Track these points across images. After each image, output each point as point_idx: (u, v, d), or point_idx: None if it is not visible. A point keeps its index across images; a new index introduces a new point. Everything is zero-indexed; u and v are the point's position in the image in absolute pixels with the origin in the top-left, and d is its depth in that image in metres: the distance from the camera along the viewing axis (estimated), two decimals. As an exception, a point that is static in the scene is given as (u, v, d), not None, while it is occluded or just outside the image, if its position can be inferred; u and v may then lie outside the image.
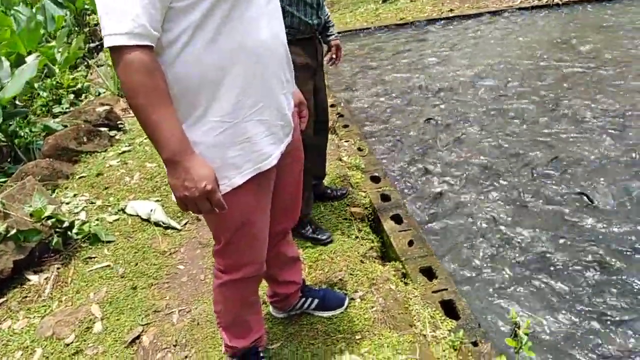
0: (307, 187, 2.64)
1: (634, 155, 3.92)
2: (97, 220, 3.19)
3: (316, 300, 2.23)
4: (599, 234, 3.15)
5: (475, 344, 2.11)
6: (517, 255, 3.04)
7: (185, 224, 3.09)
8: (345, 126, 4.45)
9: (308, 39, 2.40)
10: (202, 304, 2.41)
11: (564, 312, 2.59)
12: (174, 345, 2.16)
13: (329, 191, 3.16)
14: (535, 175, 3.83)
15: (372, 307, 2.29)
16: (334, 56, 2.70)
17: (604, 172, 3.75)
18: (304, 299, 2.22)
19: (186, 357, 2.10)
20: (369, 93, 5.92)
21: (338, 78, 6.60)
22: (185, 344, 2.17)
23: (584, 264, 2.91)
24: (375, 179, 3.49)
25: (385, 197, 3.25)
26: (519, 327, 1.95)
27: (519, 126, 4.64)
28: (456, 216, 3.46)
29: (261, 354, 1.96)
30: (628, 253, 2.97)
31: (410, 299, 2.36)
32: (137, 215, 3.18)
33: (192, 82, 1.26)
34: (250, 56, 1.32)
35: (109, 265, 2.77)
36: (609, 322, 2.52)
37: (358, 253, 2.71)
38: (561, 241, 3.12)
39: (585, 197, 3.48)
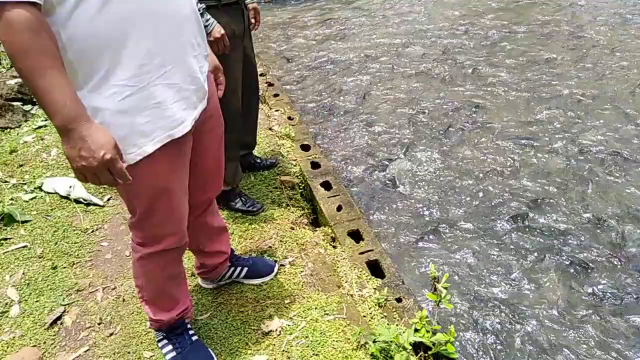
0: (234, 158, 2.60)
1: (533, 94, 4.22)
2: (11, 199, 2.99)
3: (245, 269, 2.23)
4: (512, 187, 3.36)
5: (399, 300, 2.21)
6: (436, 213, 3.18)
7: (109, 199, 2.96)
8: (276, 95, 4.40)
9: (234, 4, 2.33)
10: (128, 280, 2.34)
11: (481, 265, 2.76)
12: (98, 324, 2.10)
13: (259, 161, 3.13)
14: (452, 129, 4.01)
15: (302, 271, 2.33)
16: (252, 20, 2.63)
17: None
18: (232, 268, 2.21)
19: (111, 334, 2.05)
20: (300, 62, 5.87)
21: (268, 45, 6.48)
22: (110, 322, 2.11)
23: (500, 216, 3.11)
24: (306, 147, 3.50)
25: (315, 165, 3.28)
26: (438, 282, 2.06)
27: (441, 89, 4.80)
28: (381, 176, 3.56)
29: (188, 326, 1.95)
30: (539, 202, 3.19)
31: (339, 261, 2.43)
32: (56, 193, 3.01)
33: (88, 44, 1.18)
34: (152, 17, 1.25)
35: (25, 246, 2.61)
36: (522, 270, 2.72)
37: (288, 220, 2.73)
38: (480, 194, 3.30)
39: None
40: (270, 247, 2.48)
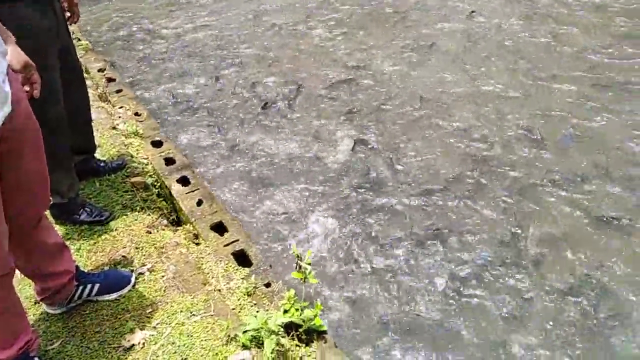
0: (67, 166, 2.34)
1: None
2: None
3: (97, 285, 2.03)
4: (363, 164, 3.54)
5: (267, 285, 2.20)
6: (298, 194, 3.24)
7: None
8: (118, 91, 4.06)
9: None
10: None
11: (341, 239, 2.88)
12: None
13: (102, 165, 2.87)
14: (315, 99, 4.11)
15: (163, 276, 2.20)
16: (68, 14, 2.35)
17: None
18: (82, 287, 2.00)
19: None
20: (143, 51, 5.50)
21: (103, 36, 5.96)
22: None
23: (350, 198, 3.26)
24: (157, 144, 3.29)
25: (169, 161, 3.10)
26: (301, 259, 2.07)
27: (296, 59, 4.87)
28: (240, 163, 3.52)
29: (35, 359, 1.73)
30: (389, 184, 3.41)
31: (203, 257, 2.33)
32: None
33: None
34: None
35: None
36: (376, 240, 2.89)
37: (144, 224, 2.55)
38: (331, 172, 3.43)
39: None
40: (124, 256, 2.29)
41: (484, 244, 2.81)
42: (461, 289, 2.56)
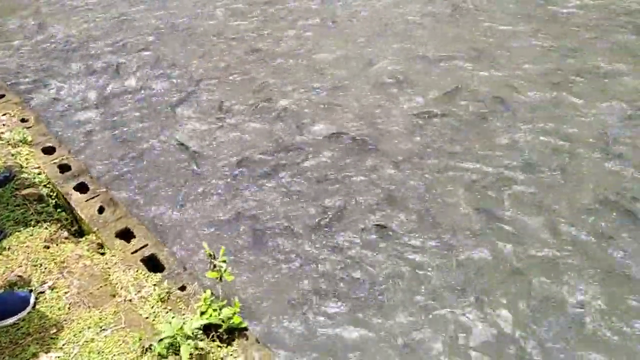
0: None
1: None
2: None
3: (-11, 312, 1.86)
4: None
5: (182, 288, 2.14)
6: (208, 190, 3.18)
7: None
8: (1, 96, 3.70)
9: None
10: None
11: (259, 227, 2.88)
12: None
13: (-14, 179, 2.61)
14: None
15: (67, 292, 2.06)
16: None
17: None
18: (-29, 316, 1.83)
19: None
20: (25, 48, 5.05)
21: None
22: None
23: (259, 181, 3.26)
24: (49, 150, 3.05)
25: (64, 168, 2.89)
26: (214, 258, 2.04)
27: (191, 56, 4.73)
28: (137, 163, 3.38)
29: None
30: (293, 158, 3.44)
31: (110, 268, 2.22)
32: None
33: None
34: None
35: None
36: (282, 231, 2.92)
37: (41, 239, 2.37)
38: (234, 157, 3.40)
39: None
40: (20, 276, 2.12)
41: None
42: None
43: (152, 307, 2.02)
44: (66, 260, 2.23)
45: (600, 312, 2.35)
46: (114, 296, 2.06)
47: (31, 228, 2.43)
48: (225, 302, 2.04)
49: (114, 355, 1.77)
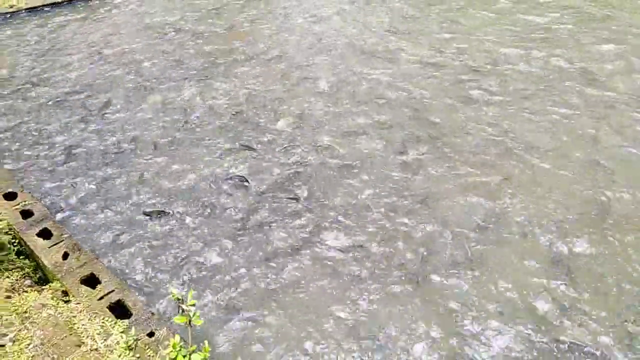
0: None
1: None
2: None
3: (-54, 369, 1.79)
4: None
5: (151, 334, 2.11)
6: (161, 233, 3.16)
7: None
8: (-42, 140, 3.61)
9: None
10: None
11: (227, 263, 2.86)
12: None
13: (-57, 228, 2.53)
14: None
15: (29, 344, 2.00)
16: None
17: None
18: None
19: None
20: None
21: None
22: None
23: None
24: (10, 196, 2.98)
25: (26, 214, 2.83)
26: (182, 302, 2.03)
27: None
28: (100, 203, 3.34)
29: None
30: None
31: (75, 316, 2.17)
32: None
33: None
34: None
35: None
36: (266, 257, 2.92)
37: (2, 289, 2.30)
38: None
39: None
40: (-21, 329, 2.05)
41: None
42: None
43: (120, 355, 1.98)
44: (29, 310, 2.17)
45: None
46: (79, 346, 2.01)
47: (-9, 278, 2.36)
48: (195, 347, 2.01)
49: (80, 409, 1.72)
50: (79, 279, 2.37)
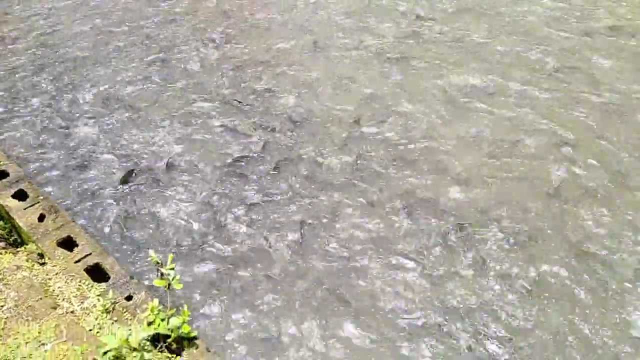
0: None
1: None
2: None
3: None
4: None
5: (129, 297, 2.07)
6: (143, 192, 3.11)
7: None
8: None
9: None
10: None
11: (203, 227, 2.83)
12: None
13: None
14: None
15: (2, 305, 1.95)
16: None
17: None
18: None
19: None
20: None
21: None
22: None
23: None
24: (-16, 156, 2.88)
25: (1, 174, 2.74)
26: (162, 266, 1.99)
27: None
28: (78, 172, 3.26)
29: None
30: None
31: (50, 279, 2.11)
32: None
33: None
34: None
35: None
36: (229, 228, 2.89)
37: (-26, 250, 2.24)
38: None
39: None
40: (-49, 290, 1.99)
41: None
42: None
43: (96, 318, 1.94)
44: (3, 272, 2.11)
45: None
46: (55, 308, 1.97)
47: (-36, 239, 2.29)
48: (174, 311, 1.99)
49: (55, 371, 1.69)
50: (55, 241, 2.31)
